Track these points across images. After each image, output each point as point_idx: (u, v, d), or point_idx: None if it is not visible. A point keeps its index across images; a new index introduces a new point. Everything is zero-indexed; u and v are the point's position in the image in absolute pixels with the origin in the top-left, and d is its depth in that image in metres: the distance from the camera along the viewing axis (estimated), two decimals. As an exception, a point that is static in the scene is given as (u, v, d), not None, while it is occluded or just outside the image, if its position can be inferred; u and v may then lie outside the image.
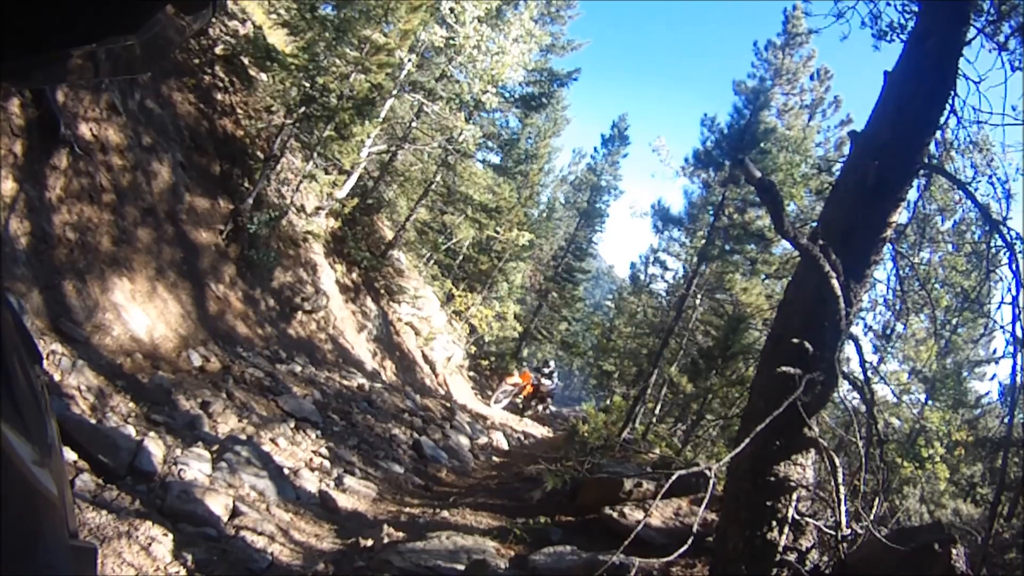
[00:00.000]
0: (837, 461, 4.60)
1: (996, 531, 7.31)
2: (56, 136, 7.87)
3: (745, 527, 4.64)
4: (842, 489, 4.55)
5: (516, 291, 27.80)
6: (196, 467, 6.49)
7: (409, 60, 15.46)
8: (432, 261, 24.30)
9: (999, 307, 5.29)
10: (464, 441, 13.67)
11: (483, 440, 15.00)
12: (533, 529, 7.66)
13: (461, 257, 25.93)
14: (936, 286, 8.67)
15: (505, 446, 15.69)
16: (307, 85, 11.86)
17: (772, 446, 4.27)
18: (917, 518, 10.74)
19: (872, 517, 4.76)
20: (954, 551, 4.44)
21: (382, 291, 18.67)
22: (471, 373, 24.82)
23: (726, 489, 4.19)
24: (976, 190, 5.68)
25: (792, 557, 4.63)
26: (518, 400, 22.56)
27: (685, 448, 12.45)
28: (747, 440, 4.02)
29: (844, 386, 5.50)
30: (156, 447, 6.36)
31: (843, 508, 4.53)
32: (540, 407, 23.15)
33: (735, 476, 4.87)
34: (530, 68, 19.81)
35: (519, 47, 16.79)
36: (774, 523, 4.55)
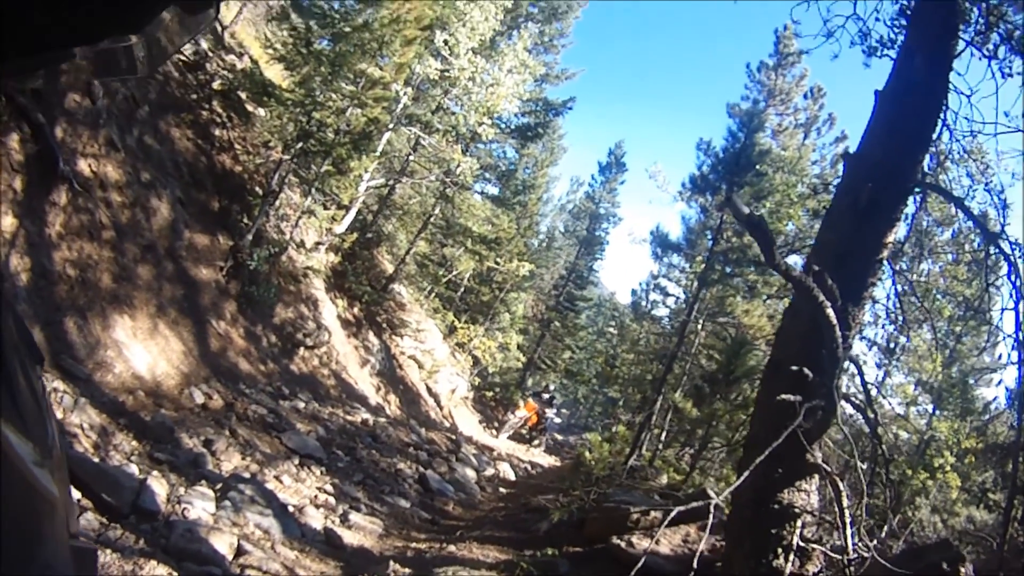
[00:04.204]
0: (841, 485, 4.57)
1: (1010, 536, 7.24)
2: (55, 172, 7.91)
3: (750, 556, 4.59)
4: (847, 513, 4.50)
5: (518, 321, 27.79)
6: (200, 506, 6.44)
7: (405, 93, 15.61)
8: (433, 294, 24.31)
9: (1002, 313, 5.29)
10: (470, 473, 13.57)
11: (490, 471, 14.90)
12: (541, 562, 7.57)
13: (462, 289, 25.94)
14: (938, 297, 8.70)
15: (512, 477, 15.58)
16: (303, 120, 11.96)
17: (775, 474, 4.25)
18: (931, 528, 10.67)
19: (883, 535, 4.72)
20: (963, 570, 4.40)
21: (384, 325, 18.67)
22: (476, 404, 24.71)
23: (730, 518, 4.16)
24: (973, 199, 5.72)
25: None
26: (523, 431, 22.47)
27: (692, 472, 12.36)
28: (746, 472, 3.99)
29: (848, 408, 5.48)
30: (159, 486, 6.32)
31: (848, 532, 4.47)
32: (540, 436, 23.04)
33: (739, 504, 4.83)
34: (525, 98, 19.96)
35: (513, 78, 16.95)
36: (779, 550, 4.50)
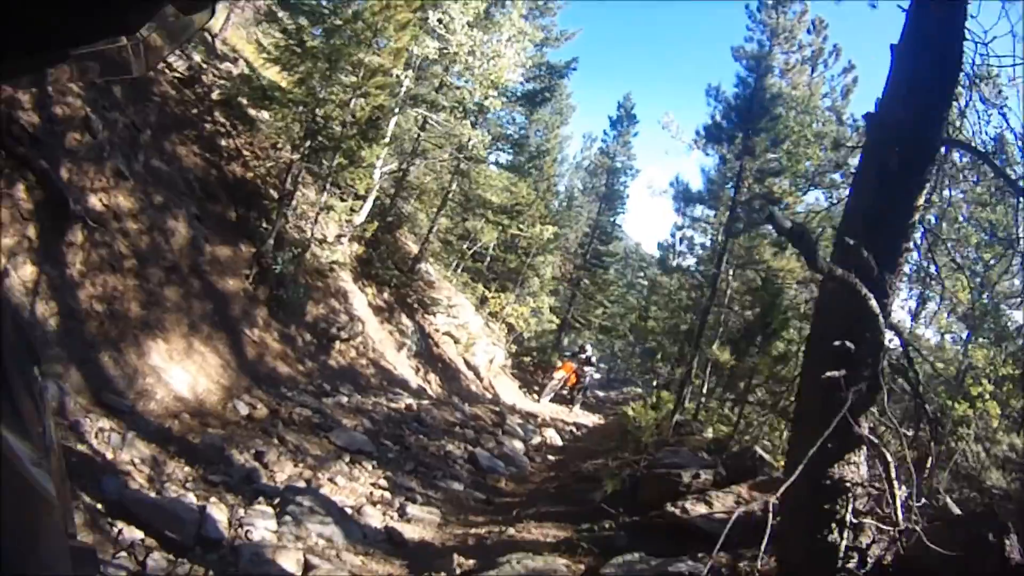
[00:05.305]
0: (888, 456, 4.54)
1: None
2: (67, 213, 7.94)
3: (805, 534, 4.60)
4: (895, 484, 4.48)
5: (548, 284, 27.81)
6: (262, 525, 6.56)
7: (406, 76, 15.44)
8: (461, 268, 24.37)
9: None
10: (518, 445, 13.68)
11: (536, 440, 15.01)
12: (599, 538, 7.66)
13: (489, 259, 25.97)
14: (964, 224, 8.53)
15: (559, 442, 15.68)
16: (308, 119, 11.91)
17: (824, 449, 4.21)
18: (974, 459, 10.65)
19: (935, 489, 4.71)
20: (1007, 542, 4.40)
21: (416, 306, 18.75)
22: (515, 371, 24.86)
23: (782, 497, 4.14)
24: (998, 141, 5.57)
25: (854, 557, 4.58)
26: (564, 392, 22.60)
27: (738, 425, 12.34)
28: (798, 470, 3.96)
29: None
30: (219, 512, 6.43)
31: (898, 503, 4.45)
32: (581, 395, 23.16)
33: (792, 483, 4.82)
34: (528, 65, 19.75)
35: (513, 47, 16.75)
36: (833, 525, 4.49)
